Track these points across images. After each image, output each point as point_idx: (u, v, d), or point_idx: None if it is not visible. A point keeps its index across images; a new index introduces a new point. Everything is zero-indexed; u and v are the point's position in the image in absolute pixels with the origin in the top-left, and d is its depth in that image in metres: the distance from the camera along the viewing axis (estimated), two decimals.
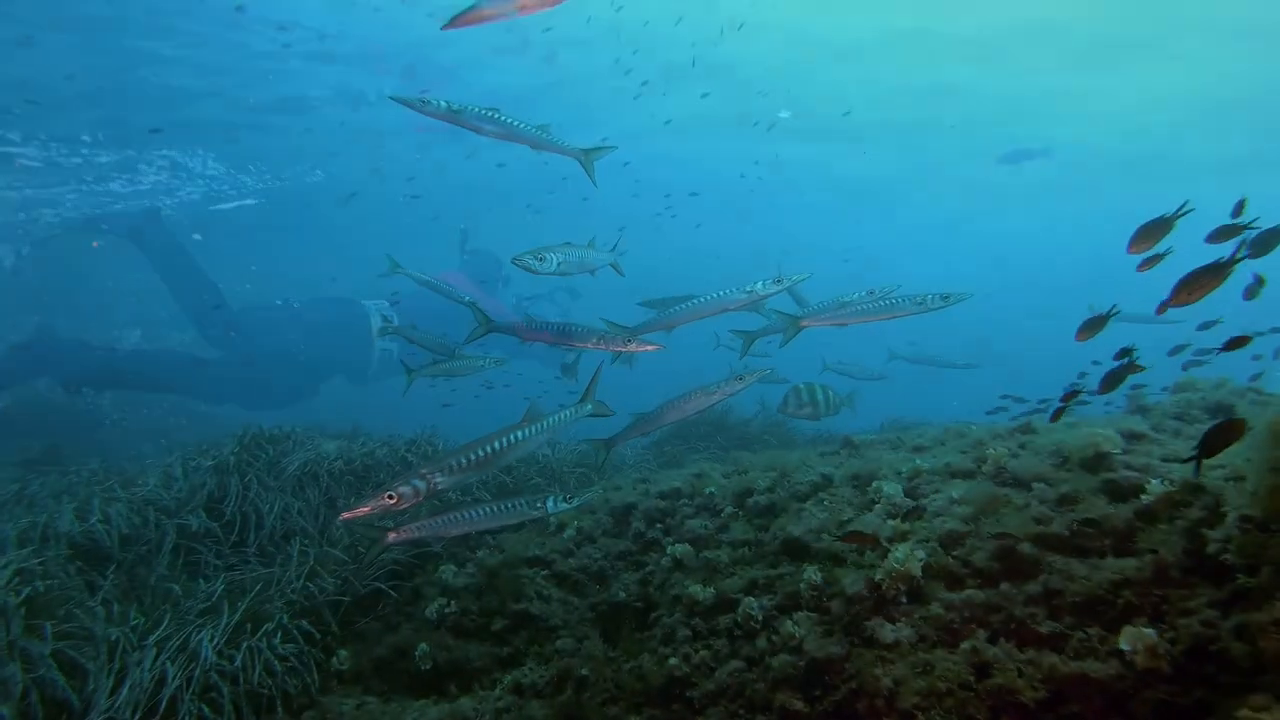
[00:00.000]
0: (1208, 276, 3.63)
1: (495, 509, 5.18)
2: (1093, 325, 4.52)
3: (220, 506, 7.26)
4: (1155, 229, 4.09)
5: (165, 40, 15.43)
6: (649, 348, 5.29)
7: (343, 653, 5.62)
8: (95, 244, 19.13)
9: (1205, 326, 5.51)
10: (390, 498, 3.69)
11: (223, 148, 20.89)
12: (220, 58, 16.41)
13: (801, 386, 6.61)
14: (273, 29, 15.55)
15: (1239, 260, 3.68)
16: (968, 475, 4.33)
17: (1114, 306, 4.61)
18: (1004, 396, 9.98)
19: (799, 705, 3.44)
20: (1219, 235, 4.25)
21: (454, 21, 3.43)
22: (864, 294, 5.14)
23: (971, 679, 2.86)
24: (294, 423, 8.95)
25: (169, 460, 8.24)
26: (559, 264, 5.22)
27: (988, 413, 8.59)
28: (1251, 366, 6.33)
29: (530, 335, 5.57)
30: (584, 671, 4.97)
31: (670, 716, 4.19)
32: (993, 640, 3.02)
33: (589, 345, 5.35)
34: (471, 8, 3.39)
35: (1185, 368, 5.70)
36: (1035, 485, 3.64)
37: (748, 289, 5.22)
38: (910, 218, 35.66)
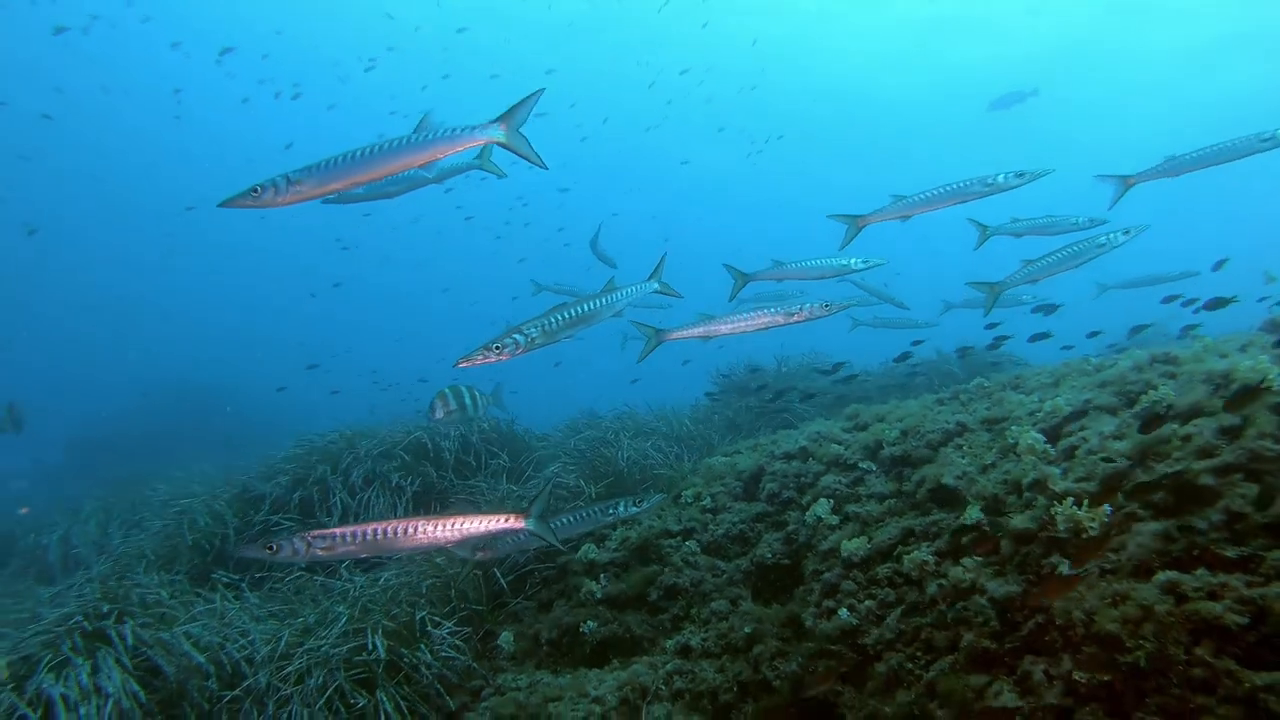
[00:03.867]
0: None
1: (573, 518, 5.51)
2: None
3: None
4: None
5: None
6: (840, 307, 5.27)
7: (507, 634, 5.99)
8: None
9: None
10: (270, 548, 4.19)
11: None
12: None
13: (448, 391, 6.61)
14: None
15: None
16: (1112, 411, 4.43)
17: None
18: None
19: (987, 643, 3.65)
20: None
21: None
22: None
23: (1169, 605, 3.03)
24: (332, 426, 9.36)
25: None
26: (530, 341, 4.57)
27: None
28: None
29: (713, 332, 5.36)
30: (746, 630, 5.26)
31: (847, 664, 4.45)
32: (1179, 568, 3.18)
33: (786, 321, 5.23)
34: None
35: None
36: (1195, 417, 3.74)
37: (987, 181, 5.28)
38: None
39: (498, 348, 4.35)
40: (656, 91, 30.62)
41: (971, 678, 3.58)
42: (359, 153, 3.85)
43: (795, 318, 5.23)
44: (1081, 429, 4.39)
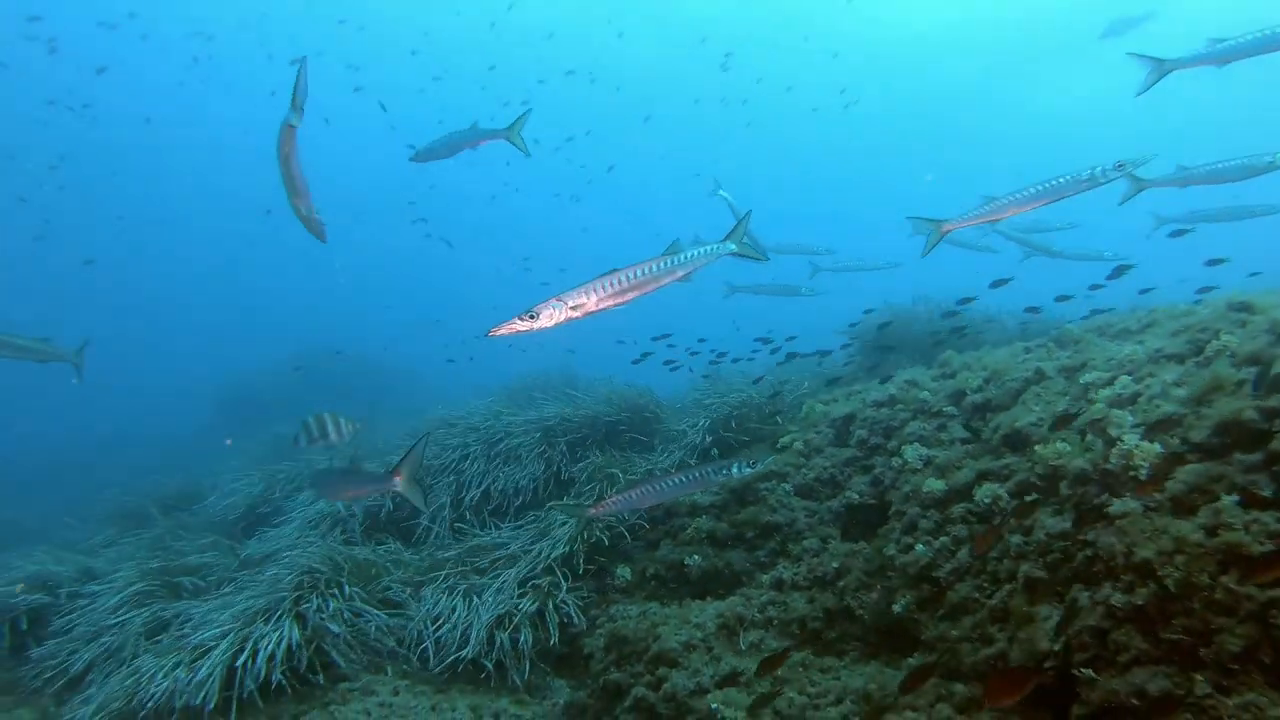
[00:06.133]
0: None
1: (684, 479, 5.45)
2: None
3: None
4: None
5: None
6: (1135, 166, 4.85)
7: (624, 569, 6.70)
8: None
9: None
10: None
11: None
12: None
13: (311, 420, 6.57)
14: None
15: None
16: (1180, 359, 4.60)
17: None
18: None
19: (1040, 573, 4.03)
20: None
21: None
22: None
23: (1201, 538, 3.32)
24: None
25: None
26: (569, 309, 4.01)
27: None
28: None
29: (998, 214, 4.94)
30: (834, 565, 5.77)
31: (922, 595, 4.91)
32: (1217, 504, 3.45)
33: (1076, 190, 4.86)
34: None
35: None
36: (1252, 364, 3.91)
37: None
38: None
39: (532, 316, 3.94)
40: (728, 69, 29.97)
41: (1027, 604, 3.97)
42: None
43: (1085, 185, 4.79)
44: (1149, 375, 4.59)
